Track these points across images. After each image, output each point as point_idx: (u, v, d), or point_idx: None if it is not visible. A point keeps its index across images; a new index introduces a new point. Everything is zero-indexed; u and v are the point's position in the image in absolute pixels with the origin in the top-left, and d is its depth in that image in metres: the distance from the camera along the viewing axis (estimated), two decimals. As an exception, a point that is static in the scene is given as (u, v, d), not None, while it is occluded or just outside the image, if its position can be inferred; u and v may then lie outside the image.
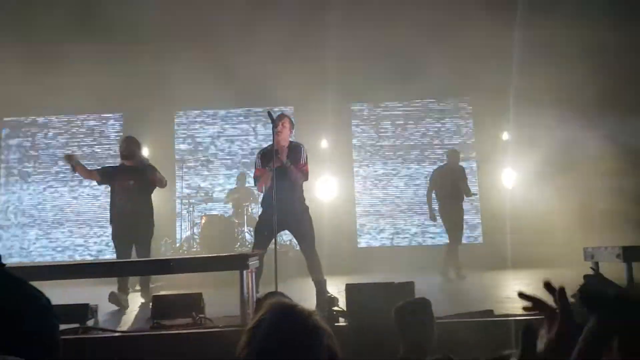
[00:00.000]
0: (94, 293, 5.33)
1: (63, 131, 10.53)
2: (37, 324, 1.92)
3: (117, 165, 6.33)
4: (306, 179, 5.06)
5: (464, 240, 7.99)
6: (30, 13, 8.64)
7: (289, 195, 4.79)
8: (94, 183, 6.63)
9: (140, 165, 6.05)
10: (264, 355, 1.19)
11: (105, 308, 5.13)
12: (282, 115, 5.10)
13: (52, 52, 8.62)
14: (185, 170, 9.85)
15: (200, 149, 10.35)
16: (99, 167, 6.40)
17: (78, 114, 10.43)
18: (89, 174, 6.03)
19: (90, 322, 3.94)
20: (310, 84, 9.12)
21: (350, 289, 3.79)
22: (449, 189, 7.69)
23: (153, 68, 9.16)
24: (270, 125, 4.93)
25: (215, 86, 9.59)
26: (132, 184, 5.87)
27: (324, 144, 9.68)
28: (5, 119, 10.49)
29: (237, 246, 8.15)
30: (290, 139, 5.12)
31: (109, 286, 5.55)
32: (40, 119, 10.52)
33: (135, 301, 5.69)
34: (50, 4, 8.31)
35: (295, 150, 5.02)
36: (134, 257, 5.83)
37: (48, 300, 2.01)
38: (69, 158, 5.86)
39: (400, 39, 8.95)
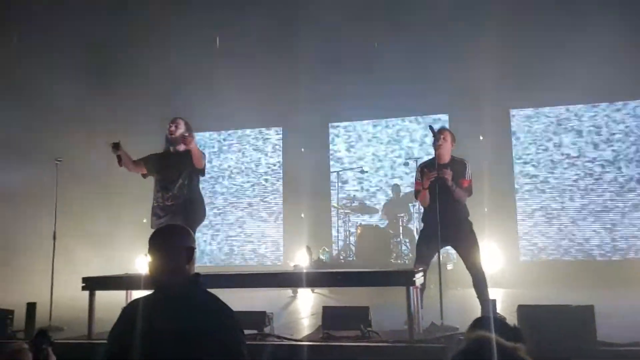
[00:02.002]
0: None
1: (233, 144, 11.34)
2: (226, 340, 2.11)
3: (162, 152, 5.14)
4: (470, 194, 4.93)
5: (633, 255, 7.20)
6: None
7: (452, 210, 4.71)
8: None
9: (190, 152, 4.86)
10: None
11: (279, 315, 5.47)
12: (442, 129, 5.07)
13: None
14: (340, 179, 10.08)
15: (355, 158, 10.53)
16: (143, 157, 5.15)
17: (240, 128, 11.18)
18: (134, 166, 5.02)
19: (267, 329, 4.22)
20: (465, 88, 8.91)
21: (523, 310, 3.63)
22: None
23: (309, 83, 9.55)
24: (431, 138, 4.97)
25: (367, 97, 9.85)
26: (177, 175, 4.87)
27: (482, 151, 9.26)
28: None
29: (392, 257, 8.14)
30: (452, 154, 5.04)
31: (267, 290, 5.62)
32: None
33: (304, 309, 5.97)
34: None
35: (459, 164, 4.94)
36: None
37: (236, 319, 2.20)
38: (116, 147, 4.75)
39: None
